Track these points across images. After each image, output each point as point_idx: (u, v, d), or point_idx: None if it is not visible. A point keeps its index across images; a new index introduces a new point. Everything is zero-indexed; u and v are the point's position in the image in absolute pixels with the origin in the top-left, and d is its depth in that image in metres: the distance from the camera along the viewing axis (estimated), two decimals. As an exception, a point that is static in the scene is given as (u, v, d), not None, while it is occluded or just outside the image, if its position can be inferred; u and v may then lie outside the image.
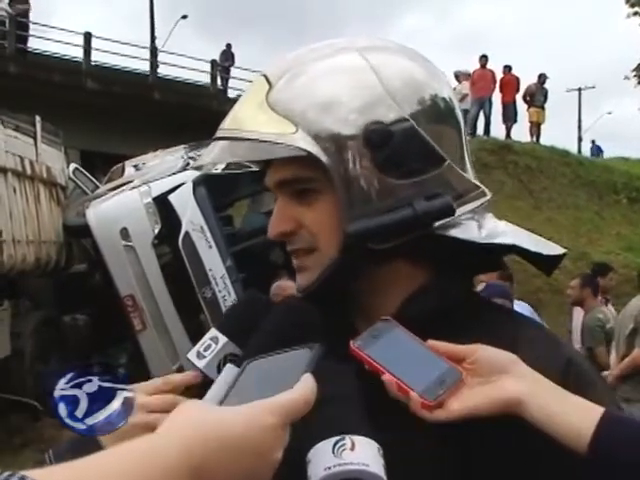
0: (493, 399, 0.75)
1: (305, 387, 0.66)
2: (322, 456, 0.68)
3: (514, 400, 0.74)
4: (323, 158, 0.80)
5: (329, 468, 0.67)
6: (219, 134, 0.87)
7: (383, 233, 0.81)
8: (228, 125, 0.86)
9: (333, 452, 0.67)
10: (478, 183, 0.91)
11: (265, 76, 0.86)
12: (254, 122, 0.83)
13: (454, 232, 0.84)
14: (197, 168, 1.00)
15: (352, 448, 0.68)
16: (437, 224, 0.83)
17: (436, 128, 0.85)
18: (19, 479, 0.51)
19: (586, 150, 19.35)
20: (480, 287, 3.99)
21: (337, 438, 0.68)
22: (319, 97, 0.82)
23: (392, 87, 0.83)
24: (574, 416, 0.73)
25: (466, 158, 0.89)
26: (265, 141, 0.81)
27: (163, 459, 0.58)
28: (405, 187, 0.83)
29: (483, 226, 0.87)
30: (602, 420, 0.72)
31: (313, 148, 0.80)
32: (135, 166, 8.02)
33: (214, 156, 0.90)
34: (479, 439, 0.76)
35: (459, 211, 0.85)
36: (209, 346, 0.91)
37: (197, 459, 0.59)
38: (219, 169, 1.00)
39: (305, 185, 0.84)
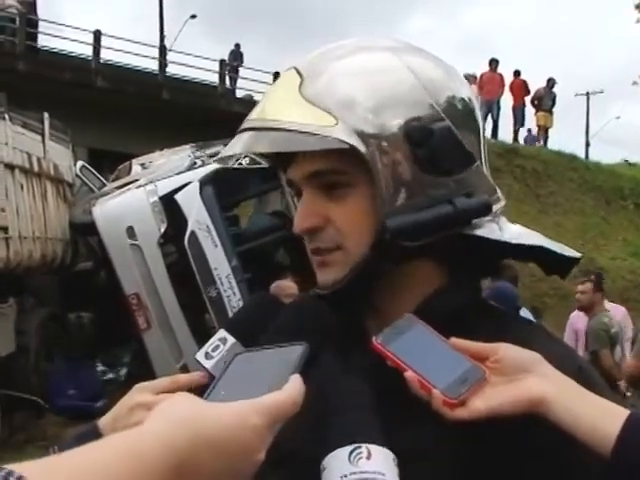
0: (517, 398, 0.74)
1: (293, 388, 0.65)
2: (338, 464, 0.68)
3: (539, 400, 0.73)
4: (364, 151, 0.80)
5: (345, 476, 0.66)
6: (250, 124, 0.85)
7: (421, 229, 0.81)
8: (259, 115, 0.85)
9: (349, 460, 0.67)
10: (496, 187, 0.91)
11: (296, 69, 0.85)
12: (290, 113, 0.82)
13: (481, 232, 0.84)
14: (221, 161, 0.98)
15: (368, 457, 0.67)
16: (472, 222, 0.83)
17: (462, 128, 0.85)
18: (17, 479, 0.51)
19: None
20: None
21: (353, 446, 0.68)
22: (359, 92, 0.82)
23: (428, 86, 0.84)
24: (600, 418, 0.72)
25: (485, 160, 0.89)
26: (305, 132, 0.80)
27: (147, 453, 0.57)
28: (441, 185, 0.83)
29: (503, 228, 0.87)
30: (627, 422, 0.71)
31: (354, 141, 0.80)
32: (142, 165, 8.04)
33: (243, 146, 0.86)
34: (500, 439, 0.75)
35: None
36: (217, 347, 0.91)
37: (183, 454, 0.58)
38: (238, 164, 0.97)
39: (338, 178, 0.83)
